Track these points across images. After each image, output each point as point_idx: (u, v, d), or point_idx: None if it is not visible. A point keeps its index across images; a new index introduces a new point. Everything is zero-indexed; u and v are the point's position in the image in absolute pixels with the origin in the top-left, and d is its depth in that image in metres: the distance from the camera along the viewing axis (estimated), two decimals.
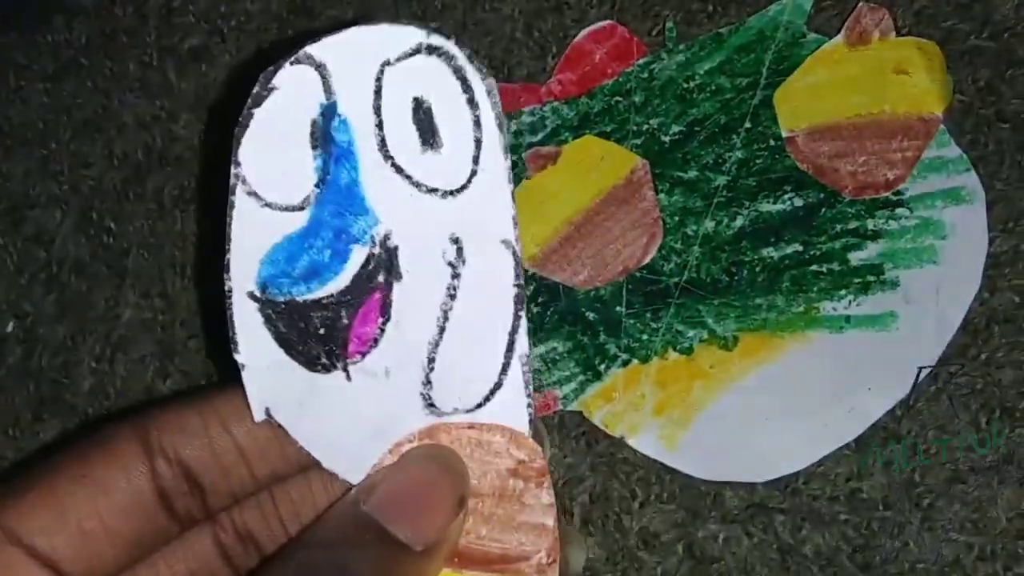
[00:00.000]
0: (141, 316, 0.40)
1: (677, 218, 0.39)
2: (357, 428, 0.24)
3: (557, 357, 0.39)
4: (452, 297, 0.24)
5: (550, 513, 0.24)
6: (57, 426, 0.40)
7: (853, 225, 0.38)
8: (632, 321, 0.39)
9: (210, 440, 0.24)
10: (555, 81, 0.40)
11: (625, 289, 0.39)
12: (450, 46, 0.23)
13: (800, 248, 0.39)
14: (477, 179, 0.23)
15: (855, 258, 0.38)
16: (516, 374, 0.24)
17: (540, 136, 0.40)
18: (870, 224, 0.38)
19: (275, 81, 0.23)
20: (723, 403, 0.38)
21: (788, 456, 0.37)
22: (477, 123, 0.23)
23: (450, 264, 0.24)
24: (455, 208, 0.23)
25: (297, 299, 0.24)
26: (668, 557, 0.38)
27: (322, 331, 0.24)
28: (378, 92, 0.23)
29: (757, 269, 0.39)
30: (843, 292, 0.38)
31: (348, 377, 0.24)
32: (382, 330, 0.24)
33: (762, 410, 0.38)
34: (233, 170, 0.23)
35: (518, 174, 0.39)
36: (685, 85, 0.40)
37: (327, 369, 0.24)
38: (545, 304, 0.39)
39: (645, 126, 0.40)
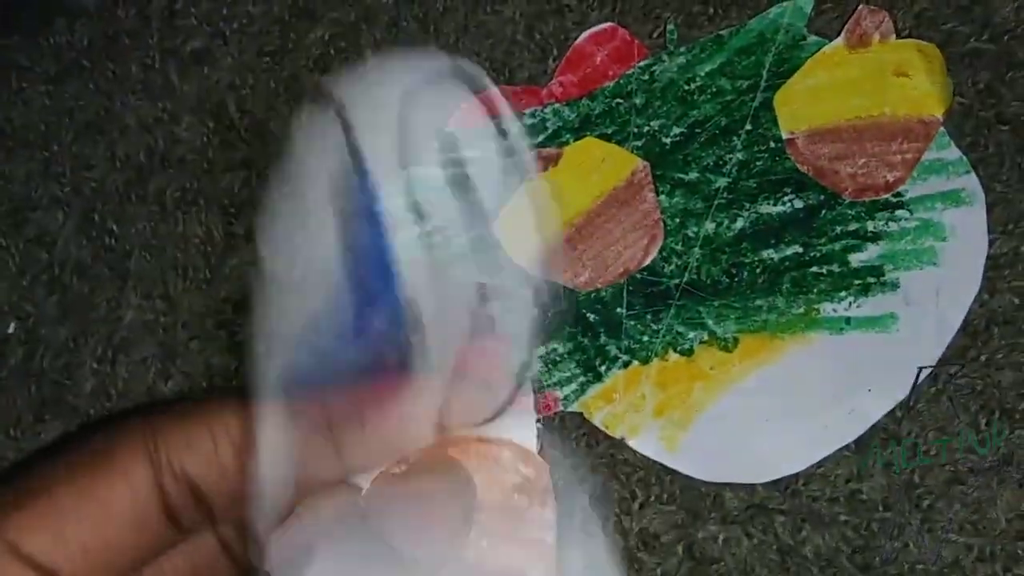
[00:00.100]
0: (143, 318, 0.40)
1: (678, 220, 0.39)
2: (367, 460, 0.24)
3: (558, 358, 0.39)
4: (471, 339, 0.24)
5: (551, 530, 0.24)
6: (59, 427, 0.40)
7: (853, 227, 0.39)
8: (633, 322, 0.39)
9: (218, 456, 0.23)
10: (556, 83, 0.40)
11: (626, 291, 0.39)
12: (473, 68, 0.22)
13: (800, 250, 0.39)
14: (501, 223, 0.23)
15: (855, 260, 0.38)
16: (526, 391, 0.24)
17: (541, 138, 0.40)
18: (870, 226, 0.39)
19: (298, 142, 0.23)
20: (723, 404, 0.38)
21: (788, 457, 0.38)
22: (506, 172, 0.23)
23: (473, 312, 0.24)
24: (482, 255, 0.23)
25: (319, 376, 0.23)
26: (668, 558, 0.38)
27: (345, 399, 0.24)
28: (403, 136, 0.23)
29: (757, 271, 0.39)
30: (843, 294, 0.38)
31: (363, 427, 0.24)
32: (401, 377, 0.24)
33: (762, 411, 0.38)
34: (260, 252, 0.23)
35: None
36: (686, 87, 0.40)
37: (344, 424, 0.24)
38: (545, 305, 0.39)
39: (646, 128, 0.40)
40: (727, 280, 0.39)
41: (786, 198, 0.39)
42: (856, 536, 0.37)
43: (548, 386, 0.39)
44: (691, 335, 0.39)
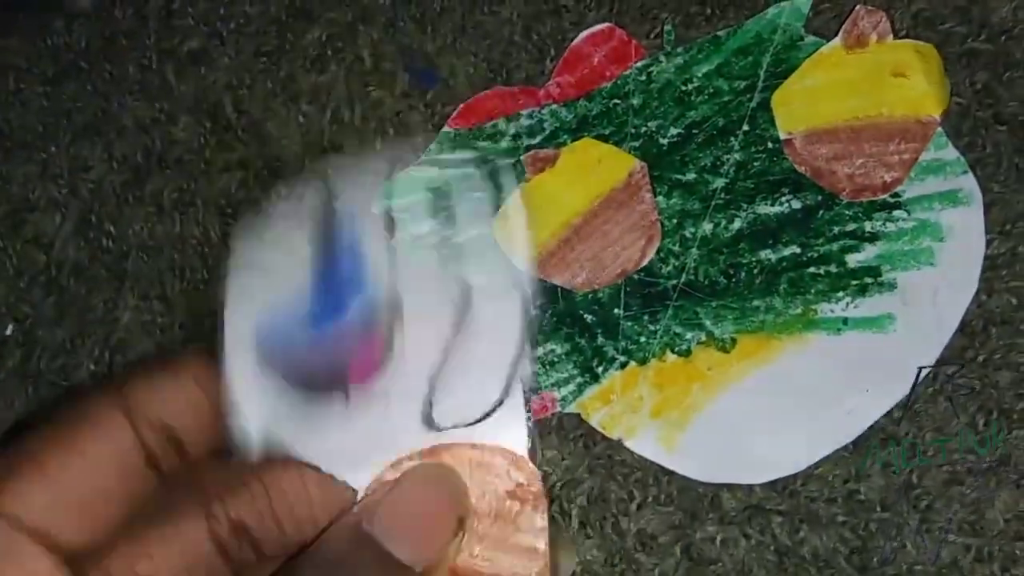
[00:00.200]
0: (140, 319, 0.40)
1: (675, 220, 0.39)
2: (356, 437, 0.25)
3: (555, 359, 0.39)
4: (457, 332, 0.24)
5: (543, 536, 0.25)
6: None
7: (851, 227, 0.39)
8: (630, 323, 0.39)
9: (188, 401, 0.24)
10: (553, 84, 0.40)
11: (623, 291, 0.39)
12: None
13: (798, 250, 0.39)
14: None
15: (853, 260, 0.38)
16: (516, 392, 0.24)
17: (539, 139, 0.40)
18: (868, 226, 0.38)
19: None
20: (721, 405, 0.38)
21: (786, 458, 0.38)
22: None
23: (455, 302, 0.24)
24: (466, 246, 0.24)
25: (297, 338, 0.24)
26: (666, 559, 0.38)
27: (323, 364, 0.24)
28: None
29: (755, 271, 0.39)
30: (841, 294, 0.38)
31: (347, 398, 0.24)
32: (384, 359, 0.24)
33: (760, 412, 0.38)
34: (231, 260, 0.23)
35: (517, 177, 0.40)
36: (683, 88, 0.40)
37: (328, 393, 0.24)
38: (543, 306, 0.39)
39: (643, 128, 0.40)
40: (725, 281, 0.39)
41: (783, 199, 0.39)
42: (854, 537, 0.37)
43: (545, 387, 0.39)
44: (689, 336, 0.39)
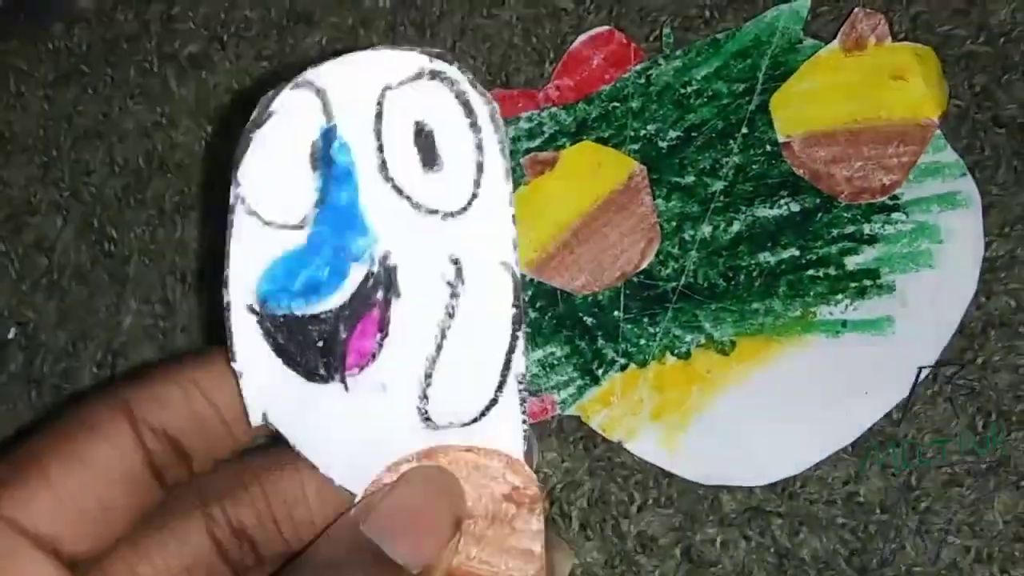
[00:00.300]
0: (142, 323, 0.40)
1: (674, 223, 0.39)
2: (354, 438, 0.25)
3: (555, 362, 0.39)
4: (450, 316, 0.24)
5: (539, 539, 0.25)
6: None
7: (849, 230, 0.39)
8: (630, 326, 0.39)
9: (193, 410, 0.24)
10: (553, 87, 0.40)
11: (623, 294, 0.39)
12: (453, 71, 0.23)
13: (797, 253, 0.39)
14: (478, 202, 0.24)
15: (851, 262, 0.38)
16: (511, 392, 0.24)
17: (538, 142, 0.40)
18: (866, 229, 0.39)
19: (274, 105, 0.23)
20: (720, 407, 0.38)
21: (785, 460, 0.38)
22: (479, 147, 0.23)
23: (449, 284, 0.24)
24: (455, 230, 0.24)
25: (296, 313, 0.24)
26: (666, 561, 0.38)
27: (320, 344, 0.24)
28: (379, 116, 0.23)
29: (754, 274, 0.39)
30: (840, 296, 0.38)
31: (346, 388, 0.24)
32: (380, 345, 0.24)
33: (759, 414, 0.38)
34: (233, 190, 0.24)
35: (516, 179, 0.40)
36: (682, 91, 0.40)
37: (325, 380, 0.24)
38: (543, 309, 0.39)
39: (642, 131, 0.40)
40: (724, 283, 0.39)
41: (782, 201, 0.39)
42: (853, 538, 0.37)
43: (545, 390, 0.39)
44: (688, 338, 0.39)
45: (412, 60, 0.23)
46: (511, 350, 0.24)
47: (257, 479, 0.25)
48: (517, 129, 0.40)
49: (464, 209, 0.24)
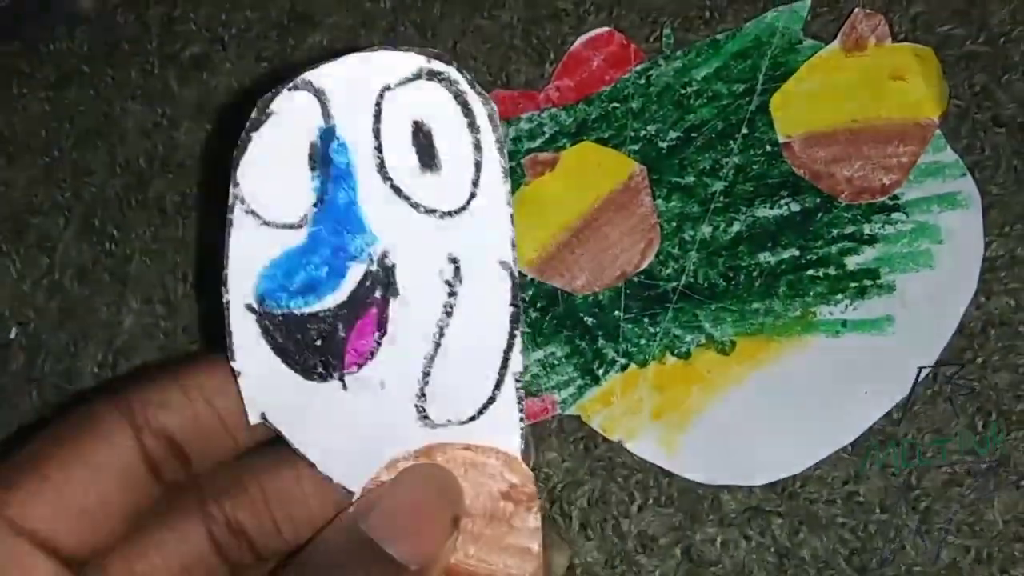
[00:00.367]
0: (143, 322, 0.40)
1: (674, 223, 0.39)
2: (352, 436, 0.25)
3: (555, 362, 0.39)
4: (448, 315, 0.24)
5: (536, 537, 0.25)
6: None
7: (850, 230, 0.39)
8: (630, 326, 0.39)
9: (193, 412, 0.24)
10: (553, 88, 0.41)
11: (623, 294, 0.39)
12: (451, 72, 0.23)
13: (797, 253, 0.39)
14: (476, 201, 0.24)
15: (852, 262, 0.39)
16: (509, 390, 0.25)
17: (538, 142, 0.40)
18: (866, 229, 0.39)
19: (273, 106, 0.23)
20: (720, 407, 0.38)
21: (785, 459, 0.38)
22: (477, 147, 0.23)
23: (447, 283, 0.24)
24: (454, 229, 0.24)
25: (294, 312, 0.24)
26: (666, 560, 0.38)
27: (319, 343, 0.24)
28: (377, 116, 0.23)
29: (754, 274, 0.39)
30: (839, 296, 0.38)
31: (344, 387, 0.25)
32: (378, 344, 0.24)
33: (759, 414, 0.38)
34: (232, 189, 0.24)
35: (516, 180, 0.40)
36: (682, 91, 0.40)
37: (323, 379, 0.25)
38: (543, 309, 0.39)
39: (643, 132, 0.40)
40: (724, 283, 0.39)
41: (782, 201, 0.39)
42: (853, 538, 0.37)
43: (545, 389, 0.39)
44: (688, 338, 0.39)
45: (410, 61, 0.23)
46: (509, 349, 0.24)
47: (255, 478, 0.25)
48: (517, 130, 0.40)
49: (462, 209, 0.24)
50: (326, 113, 0.23)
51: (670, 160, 0.40)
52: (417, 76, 0.23)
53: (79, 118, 0.42)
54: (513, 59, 0.41)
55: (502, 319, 0.24)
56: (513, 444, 0.25)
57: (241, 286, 0.24)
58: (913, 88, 0.39)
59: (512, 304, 0.24)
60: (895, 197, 0.39)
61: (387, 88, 0.23)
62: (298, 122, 0.23)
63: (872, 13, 0.39)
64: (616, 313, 0.39)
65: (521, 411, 0.25)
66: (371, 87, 0.23)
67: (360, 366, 0.24)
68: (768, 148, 0.39)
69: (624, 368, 0.39)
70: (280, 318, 0.24)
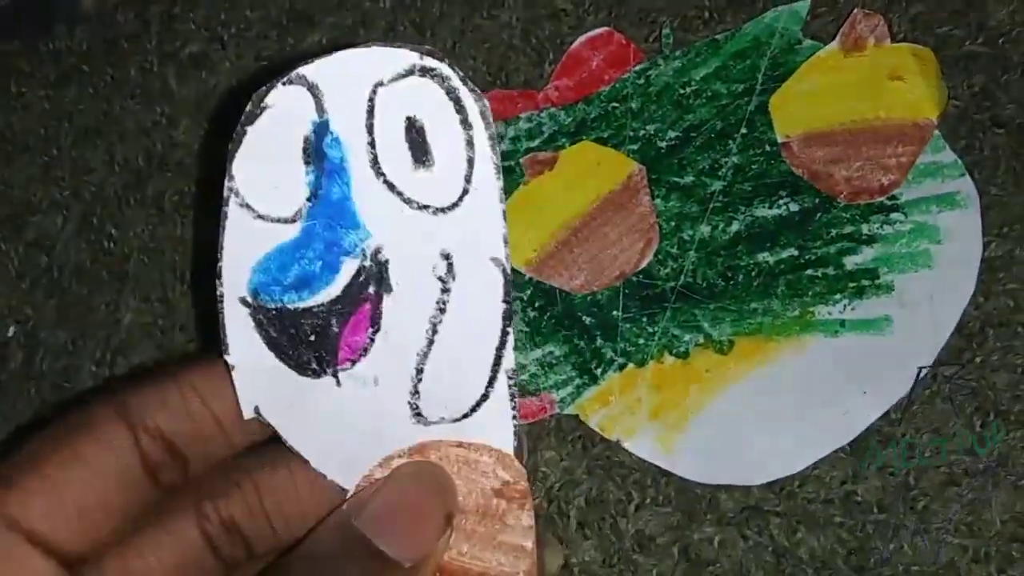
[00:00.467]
0: (141, 320, 0.40)
1: (673, 223, 0.39)
2: (345, 432, 0.25)
3: (554, 361, 0.39)
4: (441, 311, 0.24)
5: (530, 535, 0.25)
6: None
7: (848, 230, 0.39)
8: (628, 325, 0.39)
9: (190, 414, 0.24)
10: (552, 87, 0.41)
11: (622, 293, 0.39)
12: (444, 68, 0.23)
13: (795, 253, 0.39)
14: (469, 198, 0.24)
15: (850, 262, 0.39)
16: (502, 387, 0.25)
17: (537, 142, 0.40)
18: (865, 229, 0.39)
19: (268, 100, 0.23)
20: (719, 406, 0.38)
21: (783, 459, 0.38)
22: (470, 143, 0.23)
23: (440, 279, 0.24)
24: (446, 225, 0.24)
25: (288, 306, 0.24)
26: (664, 560, 0.38)
27: (312, 338, 0.24)
28: (371, 111, 0.23)
29: (753, 274, 0.39)
30: (838, 296, 0.38)
31: (338, 383, 0.25)
32: (372, 340, 0.24)
33: (757, 413, 0.38)
34: (227, 183, 0.24)
35: (516, 179, 0.40)
36: (681, 91, 0.40)
37: (317, 375, 0.25)
38: (542, 308, 0.39)
39: (642, 132, 0.40)
40: (722, 283, 0.39)
41: (781, 201, 0.39)
42: (851, 538, 0.37)
43: (544, 389, 0.39)
44: (687, 338, 0.39)
45: (403, 57, 0.23)
46: (502, 346, 0.24)
47: (249, 475, 0.25)
48: (517, 129, 0.40)
49: (455, 205, 0.24)
50: (320, 108, 0.23)
51: (669, 160, 0.40)
52: (410, 72, 0.23)
53: (78, 116, 0.42)
54: (512, 59, 0.41)
55: (495, 316, 0.24)
56: (506, 441, 0.25)
57: (235, 279, 0.24)
58: (912, 88, 0.39)
59: (504, 301, 0.24)
60: (894, 197, 0.39)
61: (380, 84, 0.23)
62: (292, 116, 0.23)
63: (871, 13, 0.39)
64: (615, 312, 0.39)
65: (514, 408, 0.25)
66: (364, 83, 0.23)
67: (354, 362, 0.24)
68: (767, 148, 0.39)
69: (622, 367, 0.39)
70: (274, 312, 0.24)
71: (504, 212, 0.24)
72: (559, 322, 0.39)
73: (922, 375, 0.38)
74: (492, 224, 0.24)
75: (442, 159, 0.24)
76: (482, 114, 0.23)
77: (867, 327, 0.38)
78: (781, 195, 0.39)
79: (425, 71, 0.23)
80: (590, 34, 0.41)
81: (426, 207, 0.24)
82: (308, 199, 0.24)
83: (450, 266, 0.24)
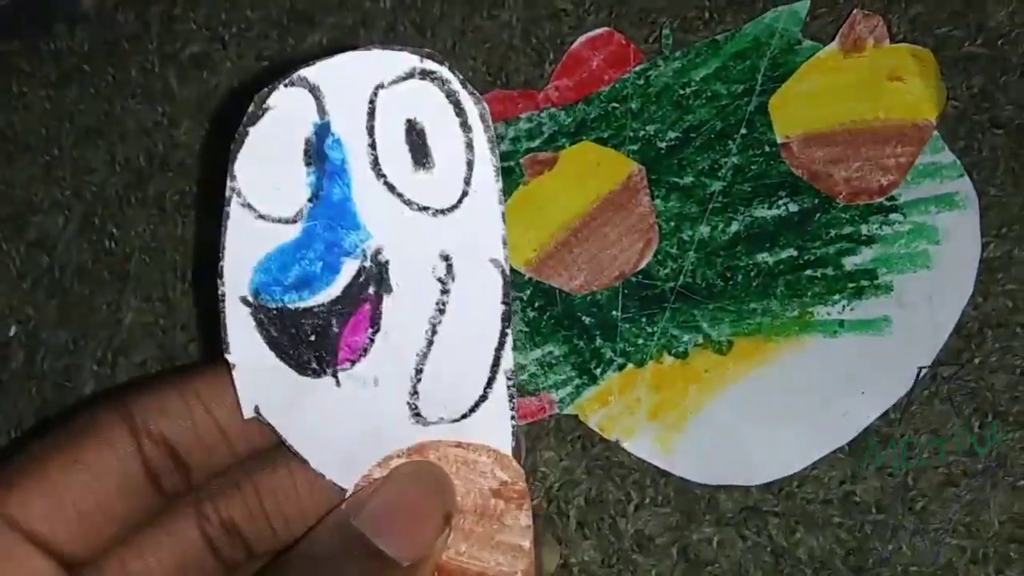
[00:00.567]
0: (142, 320, 0.41)
1: (673, 223, 0.39)
2: (345, 432, 0.25)
3: (553, 361, 0.39)
4: (441, 312, 0.24)
5: (528, 535, 0.25)
6: None
7: (847, 230, 0.39)
8: (628, 325, 0.39)
9: (192, 421, 0.24)
10: (552, 87, 0.41)
11: (621, 294, 0.39)
12: (443, 71, 0.23)
13: (795, 253, 0.39)
14: (468, 200, 0.24)
15: (849, 263, 0.39)
16: (501, 388, 0.25)
17: (538, 142, 0.40)
18: (864, 229, 0.39)
19: (269, 101, 0.24)
20: (718, 407, 0.38)
21: (782, 459, 0.38)
22: (469, 146, 0.24)
23: (440, 280, 0.24)
24: (446, 227, 0.24)
25: (288, 306, 0.24)
26: (663, 560, 0.38)
27: (313, 338, 0.24)
28: (371, 114, 0.24)
29: (752, 274, 0.39)
30: (837, 297, 0.38)
31: (337, 383, 0.25)
32: (372, 340, 0.25)
33: (756, 414, 0.38)
34: (229, 183, 0.24)
35: (516, 179, 0.40)
36: (681, 91, 0.40)
37: (317, 374, 0.25)
38: (542, 308, 0.39)
39: (642, 132, 0.40)
40: (722, 283, 0.39)
41: (780, 202, 0.39)
42: (850, 538, 0.37)
43: (543, 388, 0.39)
44: (686, 338, 0.39)
45: (404, 60, 0.23)
46: (500, 347, 0.25)
47: (249, 476, 0.25)
48: (517, 129, 0.40)
49: (454, 207, 0.24)
50: (321, 109, 0.24)
51: (669, 160, 0.40)
52: (410, 75, 0.23)
53: (79, 116, 0.42)
54: (512, 59, 0.41)
55: (493, 317, 0.24)
56: (504, 442, 0.25)
57: (237, 279, 0.24)
58: (911, 89, 0.39)
59: (503, 302, 0.24)
60: (893, 198, 0.39)
61: (380, 86, 0.23)
62: (294, 118, 0.24)
63: (871, 14, 0.39)
64: (614, 313, 0.39)
65: (512, 409, 0.25)
66: (365, 85, 0.24)
67: (353, 362, 0.25)
68: (767, 149, 0.39)
69: (622, 368, 0.39)
70: (274, 312, 0.24)
71: (503, 214, 0.24)
72: (559, 322, 0.39)
73: (921, 376, 0.38)
74: (491, 226, 0.24)
75: (442, 161, 0.24)
76: (481, 117, 0.24)
77: (866, 327, 0.38)
78: (780, 196, 0.39)
79: (425, 74, 0.23)
80: (590, 34, 0.41)
81: (426, 209, 0.24)
82: (309, 200, 0.24)
83: (449, 267, 0.24)
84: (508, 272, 0.24)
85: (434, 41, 0.41)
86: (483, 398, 0.25)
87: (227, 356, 0.25)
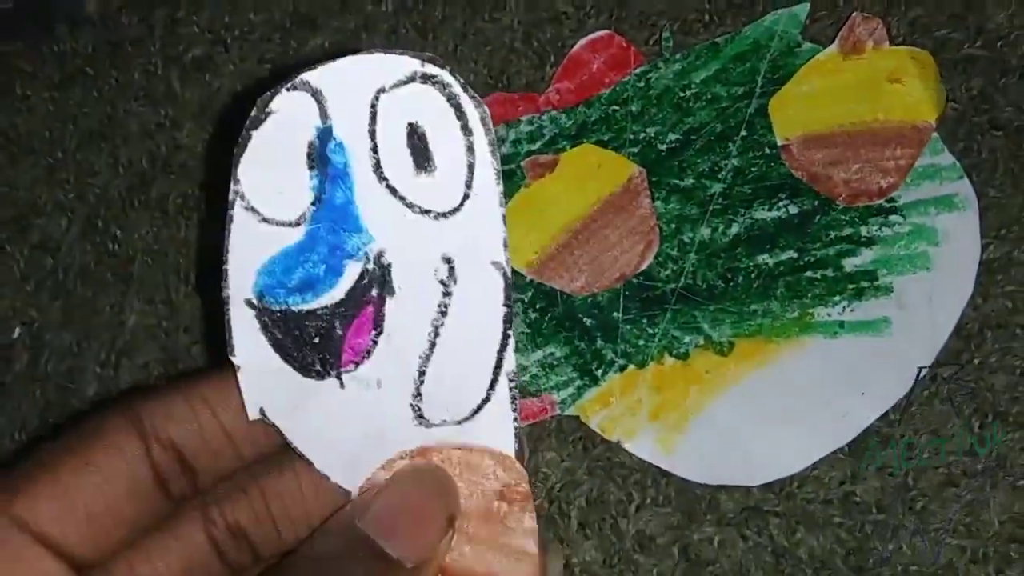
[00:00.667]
0: (145, 322, 0.41)
1: (673, 225, 0.40)
2: (349, 434, 0.25)
3: (555, 362, 0.39)
4: (443, 314, 0.25)
5: (531, 537, 0.25)
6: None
7: (847, 232, 0.39)
8: (629, 327, 0.39)
9: (200, 425, 0.25)
10: (553, 90, 0.41)
11: (622, 295, 0.39)
12: (445, 75, 0.24)
13: (795, 255, 0.39)
14: (469, 203, 0.24)
15: (849, 264, 0.39)
16: (503, 390, 0.25)
17: (538, 144, 0.40)
18: (864, 231, 0.39)
19: (272, 105, 0.24)
20: (718, 407, 0.38)
21: (782, 460, 0.38)
22: (470, 149, 0.24)
23: (442, 282, 0.24)
24: (448, 229, 0.24)
25: (292, 309, 0.25)
26: (664, 560, 0.38)
27: (317, 340, 0.25)
28: (373, 117, 0.24)
29: (752, 275, 0.39)
30: (837, 298, 0.39)
31: (341, 385, 0.25)
32: (375, 342, 0.25)
33: (757, 414, 0.38)
34: (232, 187, 0.24)
35: (517, 182, 0.40)
36: (681, 94, 0.40)
37: (321, 376, 0.25)
38: (543, 310, 0.40)
39: (642, 134, 0.40)
40: (722, 285, 0.39)
41: (781, 203, 0.39)
42: (850, 538, 0.38)
43: (545, 390, 0.39)
44: (687, 339, 0.39)
45: (405, 64, 0.24)
46: (502, 348, 0.25)
47: (255, 480, 0.25)
48: (518, 132, 0.40)
49: (456, 210, 0.24)
50: (323, 113, 0.24)
51: (669, 162, 0.40)
52: (411, 79, 0.24)
53: (82, 119, 0.42)
54: (514, 62, 0.41)
55: (495, 319, 0.25)
56: (507, 444, 0.25)
57: (241, 282, 0.25)
58: (911, 91, 0.39)
59: (505, 304, 0.24)
60: (892, 199, 0.39)
61: (382, 90, 0.24)
62: (297, 121, 0.24)
63: (870, 17, 0.40)
64: (615, 314, 0.39)
65: (515, 411, 0.25)
66: (367, 89, 0.24)
67: (357, 364, 0.25)
68: (767, 151, 0.40)
69: (623, 369, 0.39)
70: (279, 315, 0.25)
71: (504, 217, 0.24)
72: (560, 324, 0.39)
73: (921, 376, 0.38)
74: (492, 228, 0.24)
75: (443, 164, 0.24)
76: (482, 120, 0.24)
77: (866, 328, 0.38)
78: (780, 197, 0.39)
79: (426, 78, 0.24)
80: (591, 37, 0.41)
81: (428, 212, 0.24)
82: (312, 203, 0.24)
83: (451, 270, 0.24)
84: (510, 274, 0.24)
85: (436, 44, 0.41)
86: (486, 400, 0.25)
87: (232, 358, 0.25)
